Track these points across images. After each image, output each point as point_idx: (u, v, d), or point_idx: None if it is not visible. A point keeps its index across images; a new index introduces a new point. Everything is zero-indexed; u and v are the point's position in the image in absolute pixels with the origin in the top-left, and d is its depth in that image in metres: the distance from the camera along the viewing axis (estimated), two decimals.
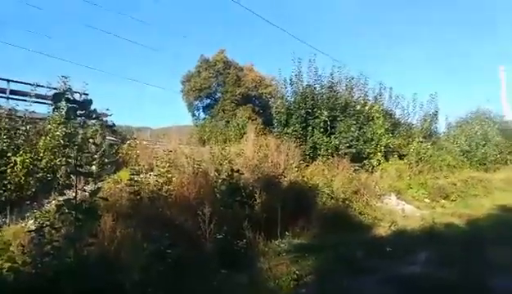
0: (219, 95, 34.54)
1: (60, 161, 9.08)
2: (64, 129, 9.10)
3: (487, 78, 57.22)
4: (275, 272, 5.77)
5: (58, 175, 9.07)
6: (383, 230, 9.48)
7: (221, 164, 9.27)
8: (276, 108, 16.28)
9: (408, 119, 19.47)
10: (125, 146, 12.08)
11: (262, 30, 43.94)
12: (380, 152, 15.28)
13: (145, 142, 13.96)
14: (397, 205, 12.40)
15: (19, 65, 41.44)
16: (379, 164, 15.10)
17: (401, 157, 16.74)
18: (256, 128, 15.32)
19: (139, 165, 9.09)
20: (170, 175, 8.55)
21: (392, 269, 6.24)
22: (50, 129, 9.78)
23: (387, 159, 16.03)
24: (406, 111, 19.36)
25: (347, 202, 10.53)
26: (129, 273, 4.83)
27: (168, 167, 8.88)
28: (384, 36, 63.16)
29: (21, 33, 48.95)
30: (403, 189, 13.68)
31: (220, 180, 8.32)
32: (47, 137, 9.64)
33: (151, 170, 9.36)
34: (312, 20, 59.68)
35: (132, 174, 7.98)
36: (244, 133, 15.00)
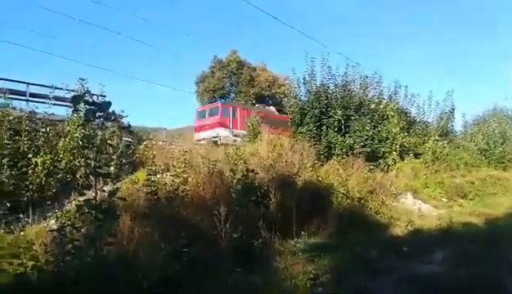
0: (233, 95, 34.72)
1: (79, 162, 9.21)
2: (83, 131, 9.24)
3: (487, 78, 56.52)
4: (291, 271, 5.79)
5: (77, 176, 9.23)
6: (399, 230, 9.42)
7: (236, 164, 9.30)
8: (290, 107, 16.26)
9: (424, 117, 19.23)
10: (142, 147, 12.21)
11: (266, 29, 43.95)
12: (396, 151, 15.11)
13: (160, 142, 14.10)
14: (414, 204, 12.28)
15: (24, 65, 42.36)
16: (395, 163, 14.94)
17: (416, 156, 16.57)
18: (270, 128, 15.36)
19: (155, 165, 9.17)
20: (186, 176, 8.63)
21: (409, 268, 6.20)
22: (69, 131, 9.94)
23: (402, 158, 15.87)
24: (421, 109, 19.14)
25: (362, 201, 10.48)
26: (147, 272, 4.91)
27: (184, 167, 8.95)
28: (384, 36, 62.68)
29: (28, 33, 49.93)
30: (419, 188, 13.54)
31: (235, 180, 8.35)
32: (67, 139, 9.79)
33: (167, 170, 9.45)
34: (312, 20, 59.41)
35: (149, 174, 8.07)
36: (259, 133, 15.04)
